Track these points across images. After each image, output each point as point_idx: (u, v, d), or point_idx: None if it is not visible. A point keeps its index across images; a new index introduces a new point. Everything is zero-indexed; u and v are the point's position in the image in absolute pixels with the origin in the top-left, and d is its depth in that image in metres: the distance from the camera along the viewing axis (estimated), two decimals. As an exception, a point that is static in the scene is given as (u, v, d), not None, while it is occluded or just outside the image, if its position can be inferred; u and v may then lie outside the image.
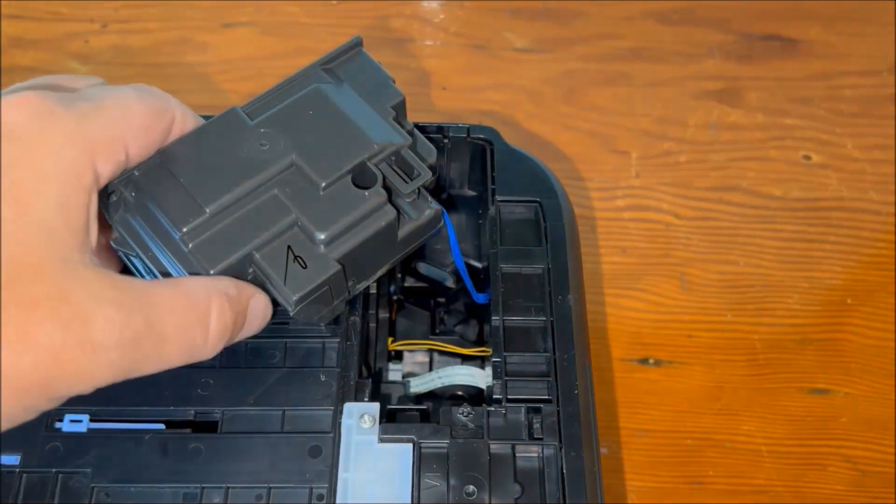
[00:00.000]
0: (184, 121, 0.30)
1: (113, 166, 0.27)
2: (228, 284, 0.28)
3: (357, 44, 0.33)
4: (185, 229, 0.28)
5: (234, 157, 0.29)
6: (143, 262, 0.28)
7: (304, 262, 0.28)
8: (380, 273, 0.32)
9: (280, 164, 0.29)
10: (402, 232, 0.30)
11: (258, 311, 0.29)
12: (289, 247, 0.29)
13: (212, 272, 0.27)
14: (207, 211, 0.28)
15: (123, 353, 0.24)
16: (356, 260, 0.29)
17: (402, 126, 0.31)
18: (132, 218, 0.29)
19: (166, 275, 0.28)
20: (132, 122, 0.28)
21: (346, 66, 0.33)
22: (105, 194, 0.29)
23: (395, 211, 0.30)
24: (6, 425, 0.24)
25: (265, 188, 0.29)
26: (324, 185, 0.29)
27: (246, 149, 0.30)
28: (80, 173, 0.26)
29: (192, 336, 0.26)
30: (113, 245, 0.29)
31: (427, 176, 0.30)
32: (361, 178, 0.30)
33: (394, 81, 0.32)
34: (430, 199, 0.31)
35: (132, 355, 0.25)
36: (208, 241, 0.28)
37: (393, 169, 0.30)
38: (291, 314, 0.29)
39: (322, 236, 0.28)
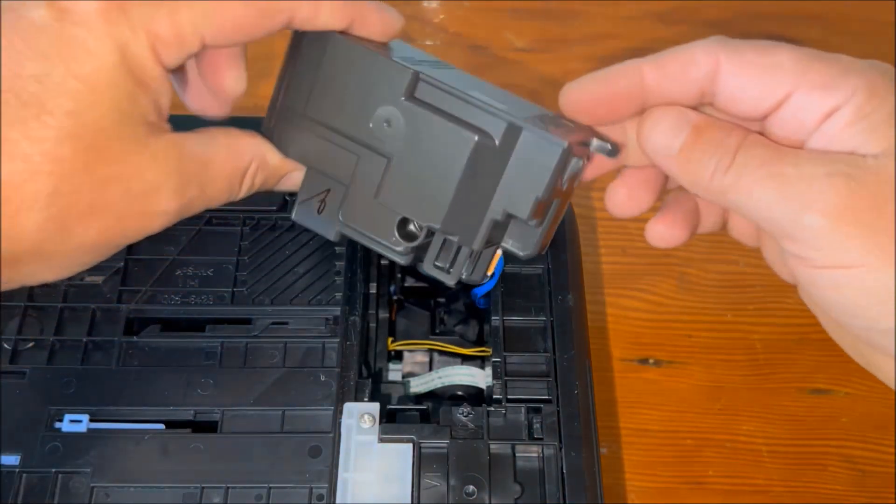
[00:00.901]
0: (314, 14, 0.28)
1: (181, 55, 0.27)
2: (273, 155, 0.30)
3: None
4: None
5: (362, 112, 0.28)
6: None
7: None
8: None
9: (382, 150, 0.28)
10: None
11: (293, 180, 0.30)
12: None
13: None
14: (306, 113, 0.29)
15: (177, 214, 0.27)
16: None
17: None
18: None
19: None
20: (219, 22, 0.27)
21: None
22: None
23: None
24: (82, 269, 0.27)
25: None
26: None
27: (374, 116, 0.28)
28: (144, 64, 0.26)
29: (229, 189, 0.29)
30: None
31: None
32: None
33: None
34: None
35: (183, 212, 0.28)
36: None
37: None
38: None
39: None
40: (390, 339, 0.37)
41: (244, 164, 0.29)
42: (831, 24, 0.54)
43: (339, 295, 0.34)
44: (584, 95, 0.29)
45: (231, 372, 0.33)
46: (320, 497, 0.30)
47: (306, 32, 0.29)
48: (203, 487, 0.30)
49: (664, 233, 0.30)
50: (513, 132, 0.27)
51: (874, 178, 0.24)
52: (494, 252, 0.29)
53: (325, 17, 0.29)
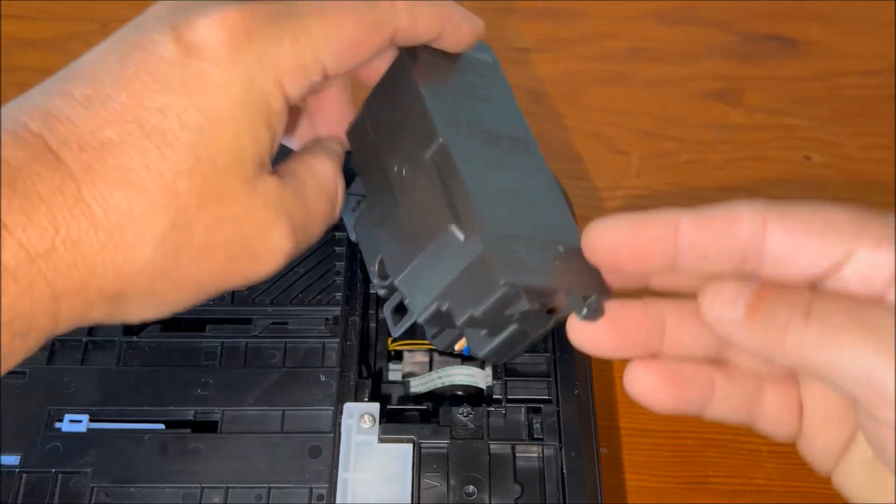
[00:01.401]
0: (412, 24, 0.29)
1: (305, 85, 0.27)
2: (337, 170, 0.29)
3: None
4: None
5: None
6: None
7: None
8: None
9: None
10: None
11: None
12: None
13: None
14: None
15: (289, 256, 0.27)
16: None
17: None
18: None
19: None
20: (337, 46, 0.27)
21: None
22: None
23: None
24: (184, 309, 0.27)
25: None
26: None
27: (399, 157, 0.29)
28: (270, 98, 0.26)
29: (327, 218, 0.29)
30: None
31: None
32: None
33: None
34: None
35: (293, 255, 0.27)
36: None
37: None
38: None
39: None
40: (390, 339, 0.37)
41: (333, 189, 0.29)
42: (831, 24, 0.54)
43: (339, 295, 0.34)
44: (610, 238, 0.26)
45: (231, 372, 0.33)
46: (320, 497, 0.30)
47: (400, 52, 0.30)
48: (203, 487, 0.30)
49: (651, 387, 0.26)
50: (480, 248, 0.26)
51: None
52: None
53: (423, 26, 0.29)
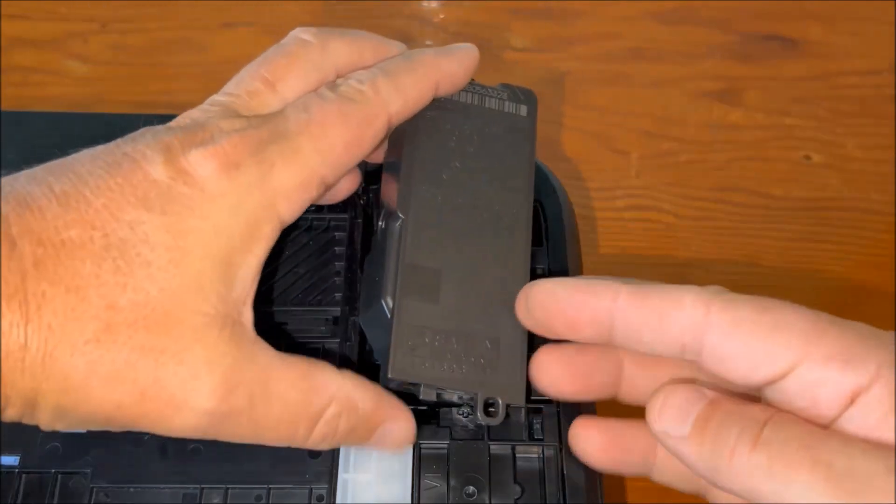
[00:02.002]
0: (403, 107, 0.29)
1: (302, 204, 0.27)
2: (368, 399, 0.27)
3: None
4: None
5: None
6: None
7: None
8: None
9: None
10: None
11: (393, 435, 0.28)
12: None
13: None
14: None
15: (213, 420, 0.25)
16: None
17: None
18: None
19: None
20: (330, 156, 0.27)
21: None
22: None
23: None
24: (75, 429, 0.26)
25: None
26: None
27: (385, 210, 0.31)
28: (256, 225, 0.26)
29: (293, 428, 0.26)
30: None
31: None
32: None
33: None
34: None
35: (221, 425, 0.25)
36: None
37: None
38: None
39: None
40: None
41: (318, 402, 0.26)
42: (831, 24, 0.54)
43: (339, 295, 0.34)
44: (544, 304, 0.26)
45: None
46: (320, 497, 0.30)
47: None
48: (203, 488, 0.30)
49: (590, 448, 0.27)
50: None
51: None
52: None
53: (414, 97, 0.29)
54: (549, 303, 0.26)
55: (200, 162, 0.25)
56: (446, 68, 0.30)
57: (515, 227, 0.30)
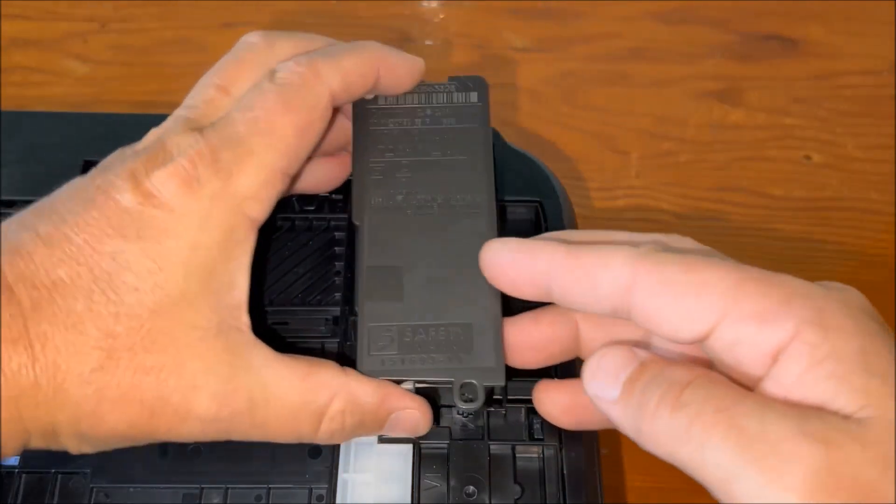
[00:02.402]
0: (346, 84, 0.29)
1: (270, 202, 0.28)
2: (370, 393, 0.28)
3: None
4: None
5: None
6: None
7: None
8: None
9: None
10: None
11: (406, 423, 0.29)
12: None
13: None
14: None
15: (218, 424, 0.26)
16: None
17: None
18: None
19: None
20: (284, 147, 0.28)
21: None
22: None
23: None
24: (101, 449, 0.27)
25: None
26: None
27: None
28: (230, 231, 0.27)
29: (297, 426, 0.27)
30: None
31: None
32: None
33: None
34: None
35: (227, 428, 0.27)
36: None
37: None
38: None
39: None
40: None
41: (320, 400, 0.27)
42: (831, 24, 0.54)
43: (339, 295, 0.34)
44: (493, 262, 0.27)
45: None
46: (320, 498, 0.30)
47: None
48: (203, 488, 0.30)
49: (552, 409, 0.28)
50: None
51: (858, 449, 0.20)
52: None
53: (355, 79, 0.29)
54: (494, 263, 0.27)
55: (163, 183, 0.26)
56: (390, 59, 0.30)
57: (478, 213, 0.30)
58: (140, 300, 0.25)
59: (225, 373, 0.26)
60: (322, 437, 0.28)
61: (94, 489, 0.30)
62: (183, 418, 0.26)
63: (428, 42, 0.54)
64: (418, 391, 0.29)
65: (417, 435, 0.29)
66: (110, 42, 0.53)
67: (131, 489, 0.30)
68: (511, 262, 0.26)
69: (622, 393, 0.23)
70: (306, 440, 0.28)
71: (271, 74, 0.28)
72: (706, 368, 0.23)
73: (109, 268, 0.25)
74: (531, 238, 0.27)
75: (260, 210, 0.28)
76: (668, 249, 0.25)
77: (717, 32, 0.54)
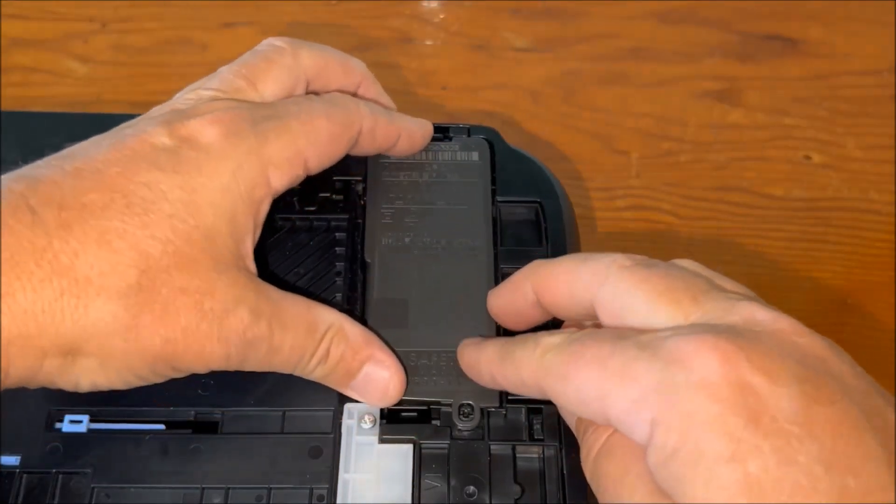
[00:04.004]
0: (374, 127, 0.33)
1: (289, 178, 0.30)
2: (357, 332, 0.30)
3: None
4: None
5: None
6: None
7: None
8: None
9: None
10: None
11: (377, 381, 0.31)
12: None
13: None
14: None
15: (241, 349, 0.28)
16: None
17: None
18: None
19: None
20: (315, 140, 0.30)
21: None
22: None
23: None
24: (140, 383, 0.28)
25: None
26: None
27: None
28: (253, 188, 0.29)
29: (300, 355, 0.29)
30: None
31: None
32: None
33: None
34: None
35: (247, 353, 0.28)
36: None
37: None
38: None
39: None
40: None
41: (320, 329, 0.30)
42: (831, 24, 0.54)
43: (339, 295, 0.34)
44: (494, 307, 0.32)
45: (232, 372, 0.33)
46: (321, 498, 0.30)
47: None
48: (203, 488, 0.30)
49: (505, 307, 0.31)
50: None
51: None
52: None
53: (381, 131, 0.33)
54: (495, 307, 0.32)
55: (203, 128, 0.28)
56: (411, 125, 0.35)
57: (477, 255, 0.34)
58: (174, 227, 0.26)
59: (252, 300, 0.28)
60: (311, 365, 0.30)
61: (95, 489, 0.30)
62: (215, 340, 0.27)
63: (428, 42, 0.54)
64: (419, 410, 0.31)
65: (387, 403, 0.31)
66: (110, 42, 0.53)
67: (132, 489, 0.30)
68: (499, 308, 0.32)
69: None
70: (300, 370, 0.30)
71: (320, 95, 0.32)
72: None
73: (144, 195, 0.26)
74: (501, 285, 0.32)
75: (280, 181, 0.30)
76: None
77: (717, 32, 0.54)
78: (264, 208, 0.30)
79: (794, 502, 0.21)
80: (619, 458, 0.25)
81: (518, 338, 0.28)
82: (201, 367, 0.28)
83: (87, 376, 0.27)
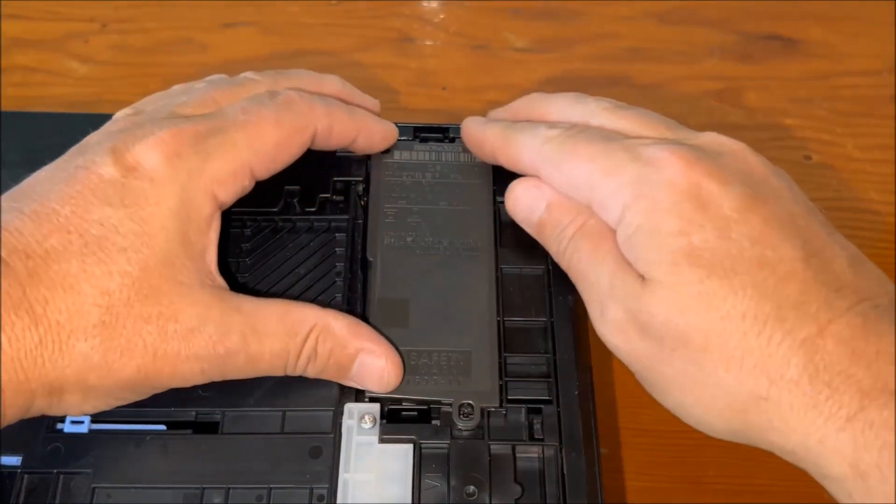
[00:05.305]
0: (330, 126, 0.33)
1: (236, 191, 0.31)
2: (342, 325, 0.30)
3: None
4: None
5: None
6: None
7: None
8: None
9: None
10: None
11: (372, 369, 0.31)
12: None
13: None
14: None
15: (216, 363, 0.29)
16: None
17: None
18: None
19: None
20: (260, 149, 0.31)
21: None
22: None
23: None
24: (119, 404, 0.29)
25: None
26: None
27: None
28: (201, 207, 0.30)
29: (284, 358, 0.30)
30: None
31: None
32: None
33: None
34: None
35: (223, 366, 0.29)
36: None
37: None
38: None
39: None
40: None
41: (302, 331, 0.30)
42: (831, 24, 0.54)
43: (339, 295, 0.34)
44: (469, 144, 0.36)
45: (232, 373, 0.33)
46: (321, 497, 0.30)
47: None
48: (204, 488, 0.30)
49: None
50: None
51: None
52: None
53: (339, 129, 0.33)
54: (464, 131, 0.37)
55: (145, 153, 0.29)
56: (371, 125, 0.35)
57: (479, 255, 0.34)
58: (129, 259, 0.27)
59: (217, 315, 0.28)
60: (300, 365, 0.30)
61: (96, 489, 0.30)
62: (185, 359, 0.28)
63: (428, 42, 0.54)
64: (419, 410, 0.31)
65: (387, 389, 0.31)
66: (111, 42, 0.53)
67: (133, 489, 0.30)
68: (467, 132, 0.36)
69: (537, 226, 0.33)
70: (291, 371, 0.30)
71: (273, 94, 0.32)
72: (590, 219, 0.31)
73: (98, 232, 0.27)
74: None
75: (226, 194, 0.30)
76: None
77: (717, 32, 0.54)
78: (216, 223, 0.30)
79: (723, 265, 0.27)
80: (594, 237, 0.31)
81: (520, 124, 0.34)
82: (180, 384, 0.29)
83: (75, 408, 0.28)
